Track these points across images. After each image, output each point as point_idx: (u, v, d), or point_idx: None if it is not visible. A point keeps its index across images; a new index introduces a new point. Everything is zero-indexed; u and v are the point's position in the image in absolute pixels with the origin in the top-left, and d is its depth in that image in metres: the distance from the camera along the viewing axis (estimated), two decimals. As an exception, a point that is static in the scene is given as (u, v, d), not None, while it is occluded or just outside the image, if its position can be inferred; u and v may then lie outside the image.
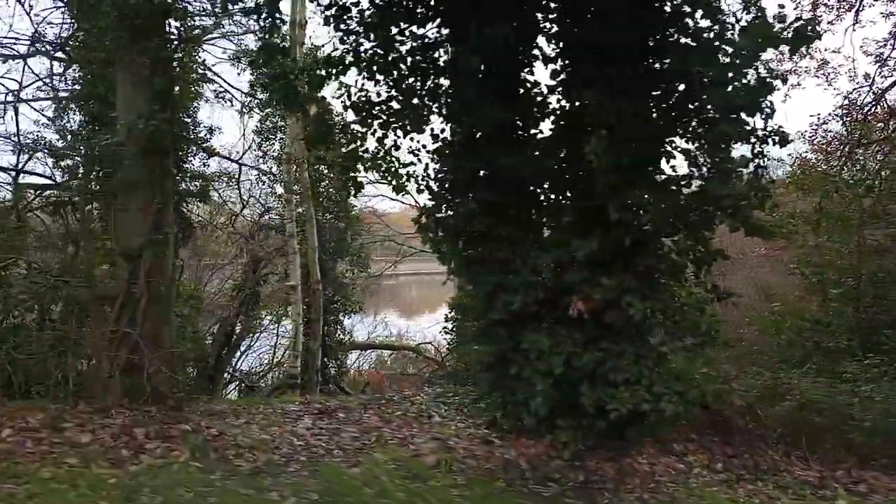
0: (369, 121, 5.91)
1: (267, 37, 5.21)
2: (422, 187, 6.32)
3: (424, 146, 6.11)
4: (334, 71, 5.51)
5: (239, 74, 12.30)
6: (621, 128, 4.79)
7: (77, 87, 10.34)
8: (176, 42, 6.72)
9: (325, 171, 16.35)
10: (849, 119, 13.56)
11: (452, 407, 8.13)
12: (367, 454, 6.03)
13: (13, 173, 7.15)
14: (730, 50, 4.77)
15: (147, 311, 6.56)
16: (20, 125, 10.19)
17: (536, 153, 5.84)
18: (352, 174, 5.77)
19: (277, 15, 5.15)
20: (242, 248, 16.37)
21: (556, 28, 5.36)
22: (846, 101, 13.07)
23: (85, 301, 6.77)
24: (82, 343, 6.56)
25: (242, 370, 16.49)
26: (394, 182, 6.32)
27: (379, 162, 6.11)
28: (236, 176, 14.90)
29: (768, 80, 4.75)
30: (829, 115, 13.39)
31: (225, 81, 9.94)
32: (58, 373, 6.47)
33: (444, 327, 11.47)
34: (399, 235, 14.82)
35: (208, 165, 13.09)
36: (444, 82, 6.03)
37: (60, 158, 9.49)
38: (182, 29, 6.75)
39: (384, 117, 5.96)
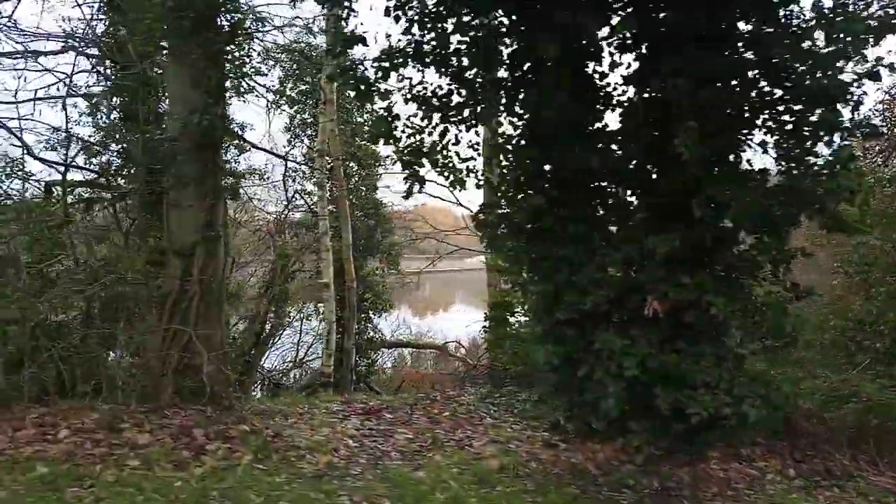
0: (430, 114, 5.71)
1: (340, 25, 5.05)
2: (480, 183, 6.14)
3: (486, 140, 5.90)
4: (398, 62, 5.32)
5: (269, 71, 12.14)
6: (707, 119, 4.57)
7: (107, 83, 10.27)
8: (228, 35, 6.57)
9: (355, 168, 16.28)
10: (890, 115, 13.23)
11: (501, 408, 7.95)
12: (425, 456, 5.87)
13: (62, 168, 7.00)
14: (820, 38, 4.55)
15: (199, 310, 6.44)
16: (54, 122, 10.11)
17: (605, 147, 5.63)
18: (415, 169, 5.55)
19: (347, 3, 4.99)
20: (270, 245, 16.29)
21: (632, 16, 5.13)
22: (887, 97, 12.73)
23: (136, 299, 6.66)
24: (134, 342, 6.45)
25: (265, 368, 16.41)
26: (451, 177, 6.13)
27: (437, 157, 5.91)
28: (266, 173, 14.79)
29: (861, 70, 4.52)
30: (870, 110, 13.05)
31: (251, 77, 9.78)
32: (109, 372, 6.38)
33: (483, 326, 11.24)
34: (438, 233, 14.66)
35: (239, 162, 13.01)
36: (506, 74, 5.83)
37: (98, 155, 9.43)
38: (234, 22, 6.59)
39: (445, 111, 5.76)
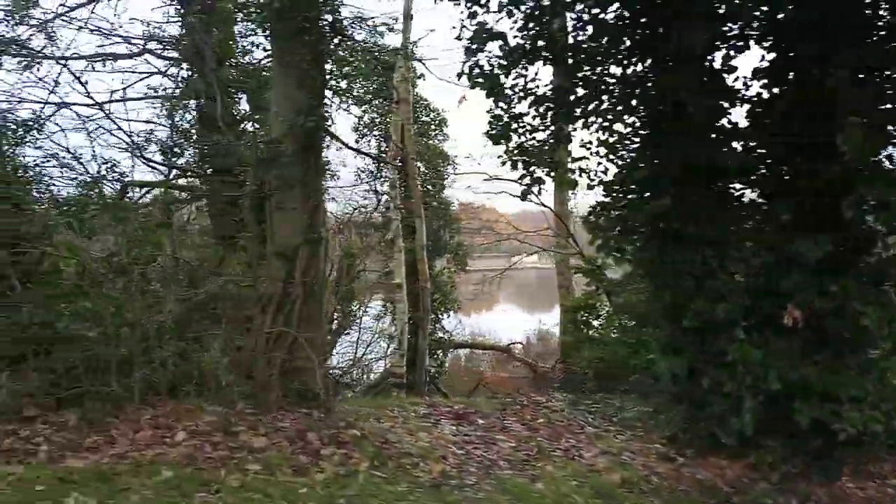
0: (546, 113, 5.51)
1: (475, 23, 4.90)
2: (594, 183, 5.92)
3: (601, 139, 5.68)
4: (516, 59, 5.14)
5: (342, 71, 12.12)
6: (868, 115, 4.25)
7: (181, 86, 10.41)
8: (330, 35, 6.51)
9: (422, 168, 16.18)
10: None
11: (597, 415, 7.72)
12: (535, 467, 5.69)
13: (165, 169, 7.07)
14: None
15: (302, 312, 6.40)
16: (131, 124, 10.26)
17: (733, 144, 5.34)
18: (532, 170, 5.36)
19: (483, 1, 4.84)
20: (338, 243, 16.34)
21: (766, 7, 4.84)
22: None
23: (236, 300, 6.66)
24: (237, 343, 6.45)
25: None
26: (561, 178, 5.93)
27: (546, 156, 5.72)
28: (335, 172, 14.81)
29: None
30: None
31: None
32: (215, 374, 6.39)
33: (562, 329, 10.99)
34: (519, 233, 14.47)
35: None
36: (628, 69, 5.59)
37: (177, 156, 9.57)
38: (335, 22, 6.53)
39: (561, 108, 5.56)
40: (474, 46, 4.97)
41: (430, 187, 15.89)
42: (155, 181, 9.35)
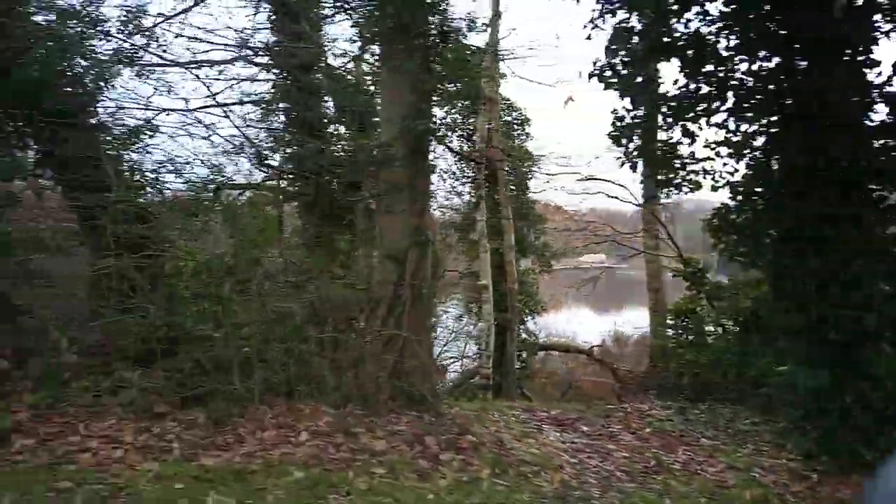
0: (670, 112, 5.30)
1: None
2: (718, 185, 5.66)
3: (727, 138, 5.41)
4: (646, 59, 4.95)
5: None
6: None
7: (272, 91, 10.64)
8: (439, 38, 6.49)
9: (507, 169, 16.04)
10: None
11: (708, 425, 7.40)
12: (657, 480, 5.49)
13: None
14: None
15: (411, 314, 6.42)
16: (223, 130, 10.58)
17: (875, 143, 4.97)
18: (664, 171, 5.16)
19: None
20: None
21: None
22: None
23: (347, 303, 6.74)
24: (349, 345, 6.52)
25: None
26: (683, 179, 5.68)
27: (669, 157, 5.49)
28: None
29: None
30: None
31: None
32: (324, 375, 6.48)
33: (672, 333, 10.63)
34: (622, 235, 14.16)
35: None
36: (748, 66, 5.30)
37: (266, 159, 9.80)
38: (444, 24, 6.49)
39: (685, 107, 5.33)
40: (614, 47, 4.81)
41: (513, 188, 15.75)
42: (248, 183, 9.63)
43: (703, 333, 9.84)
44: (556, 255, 16.47)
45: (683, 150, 5.53)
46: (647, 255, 12.90)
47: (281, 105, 10.74)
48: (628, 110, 5.15)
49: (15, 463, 4.73)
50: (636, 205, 11.67)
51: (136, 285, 6.23)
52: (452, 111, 15.81)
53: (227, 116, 9.08)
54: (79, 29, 6.50)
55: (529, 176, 15.79)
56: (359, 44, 9.68)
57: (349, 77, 10.71)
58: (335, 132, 10.96)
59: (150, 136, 9.19)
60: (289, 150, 10.54)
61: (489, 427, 6.71)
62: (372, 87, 10.22)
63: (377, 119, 9.33)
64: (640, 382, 12.12)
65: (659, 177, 5.24)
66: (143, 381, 5.61)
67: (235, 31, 9.71)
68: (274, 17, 9.98)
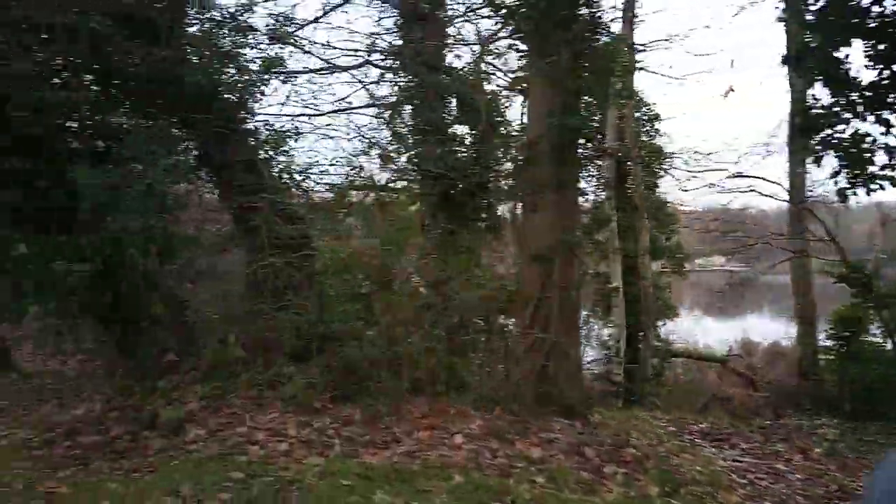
0: (861, 100, 4.74)
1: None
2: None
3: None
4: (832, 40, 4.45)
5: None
6: None
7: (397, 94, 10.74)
8: (591, 32, 6.23)
9: (629, 167, 15.40)
10: None
11: (886, 447, 6.64)
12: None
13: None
14: None
15: (560, 317, 6.20)
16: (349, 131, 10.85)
17: None
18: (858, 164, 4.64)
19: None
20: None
21: None
22: None
23: (491, 304, 6.64)
24: (495, 347, 6.42)
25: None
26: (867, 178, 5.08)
27: (863, 150, 4.92)
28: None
29: None
30: None
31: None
32: (466, 377, 6.41)
33: (833, 343, 9.74)
34: (773, 237, 13.26)
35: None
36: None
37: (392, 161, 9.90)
38: (594, 17, 6.23)
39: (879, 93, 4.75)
40: (808, 36, 4.36)
41: (642, 186, 15.06)
42: (384, 185, 9.79)
43: (870, 345, 8.90)
44: (689, 258, 15.56)
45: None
46: (800, 257, 11.84)
47: (407, 106, 10.92)
48: (816, 99, 4.65)
49: (188, 452, 4.98)
50: (796, 204, 10.73)
51: (291, 284, 6.45)
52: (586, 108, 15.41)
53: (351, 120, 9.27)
54: (233, 37, 6.83)
55: (661, 174, 15.04)
56: (506, 41, 9.60)
57: (470, 77, 10.66)
58: (460, 135, 10.98)
59: (296, 140, 9.62)
60: (416, 151, 10.68)
61: (643, 440, 6.35)
62: (500, 87, 10.13)
63: (500, 119, 9.29)
64: (788, 396, 11.17)
65: (846, 171, 4.66)
66: (301, 376, 5.79)
67: (364, 35, 9.96)
68: (402, 21, 10.15)
